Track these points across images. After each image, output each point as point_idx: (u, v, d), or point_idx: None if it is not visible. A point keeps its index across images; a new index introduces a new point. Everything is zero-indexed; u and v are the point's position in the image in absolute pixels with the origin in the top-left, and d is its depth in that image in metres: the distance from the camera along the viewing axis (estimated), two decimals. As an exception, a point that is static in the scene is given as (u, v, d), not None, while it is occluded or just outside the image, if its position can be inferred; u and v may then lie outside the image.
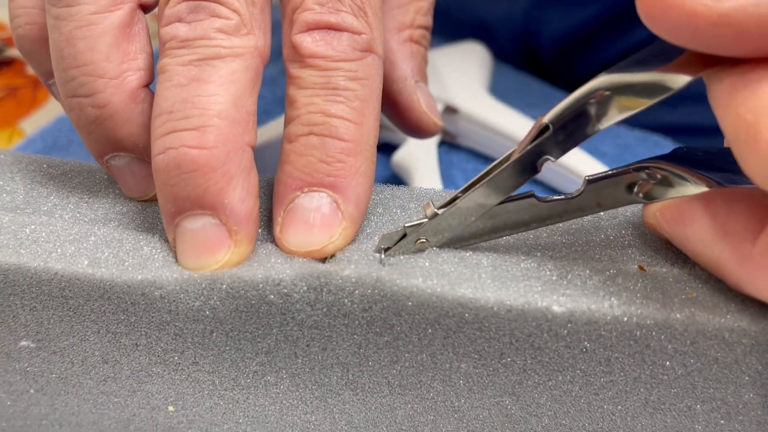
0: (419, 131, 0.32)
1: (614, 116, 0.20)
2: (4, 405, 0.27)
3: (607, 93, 0.20)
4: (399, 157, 0.42)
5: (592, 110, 0.20)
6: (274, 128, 0.42)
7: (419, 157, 0.42)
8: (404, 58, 0.30)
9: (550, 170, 0.42)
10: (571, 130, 0.21)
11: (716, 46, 0.17)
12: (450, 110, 0.45)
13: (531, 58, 0.61)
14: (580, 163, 0.41)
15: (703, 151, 0.23)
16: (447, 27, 0.62)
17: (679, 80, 0.19)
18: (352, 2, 0.24)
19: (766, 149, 0.16)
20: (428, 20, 0.32)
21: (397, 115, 0.31)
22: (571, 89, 0.65)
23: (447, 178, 0.44)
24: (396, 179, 0.44)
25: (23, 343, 0.24)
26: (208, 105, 0.21)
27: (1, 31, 0.70)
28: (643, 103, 0.20)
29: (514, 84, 0.56)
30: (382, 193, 0.27)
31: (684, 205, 0.21)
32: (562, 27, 0.57)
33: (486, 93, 0.46)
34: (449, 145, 0.47)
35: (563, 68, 0.60)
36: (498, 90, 0.54)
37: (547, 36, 0.58)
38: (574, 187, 0.41)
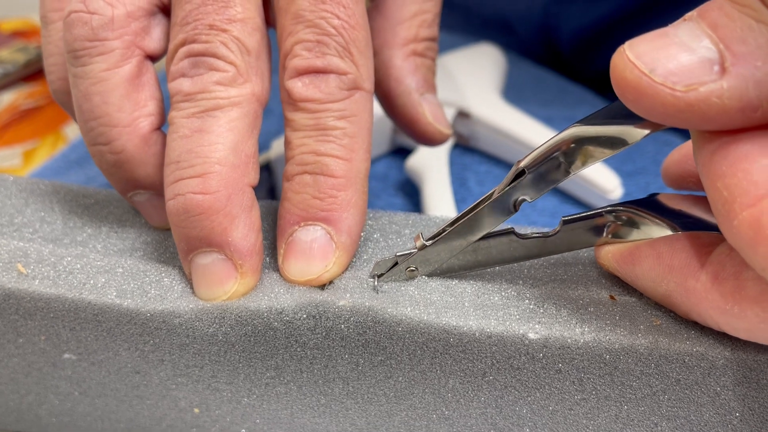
0: (427, 141, 0.34)
1: (579, 165, 0.22)
2: (53, 404, 0.31)
3: (573, 145, 0.22)
4: (412, 162, 0.44)
5: (562, 159, 0.22)
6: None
7: (431, 163, 0.44)
8: (408, 72, 0.32)
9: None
10: (544, 175, 0.23)
11: (686, 125, 0.18)
12: (463, 114, 0.47)
13: (551, 52, 0.62)
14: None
15: (676, 198, 0.24)
16: (468, 22, 0.63)
17: (637, 135, 0.21)
18: (337, 44, 0.25)
19: (738, 226, 0.17)
20: (433, 31, 0.33)
21: (405, 127, 0.33)
22: (590, 84, 0.65)
23: (460, 181, 0.46)
24: (410, 183, 0.46)
25: (66, 355, 0.28)
26: (210, 153, 0.24)
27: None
28: (606, 154, 0.22)
29: (531, 80, 0.57)
30: (380, 219, 0.29)
31: (632, 247, 0.23)
32: (581, 22, 0.58)
33: (498, 97, 0.48)
34: (463, 147, 0.49)
35: (583, 63, 0.61)
36: (514, 86, 0.55)
37: (566, 31, 0.59)
38: (577, 189, 0.43)
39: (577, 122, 0.22)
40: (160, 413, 0.30)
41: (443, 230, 0.25)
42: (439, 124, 0.33)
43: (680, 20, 0.18)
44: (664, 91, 0.17)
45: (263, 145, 0.46)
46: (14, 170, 0.62)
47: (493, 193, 0.24)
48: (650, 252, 0.22)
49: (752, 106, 0.17)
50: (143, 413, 0.30)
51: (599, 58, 0.59)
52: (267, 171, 0.44)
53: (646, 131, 0.21)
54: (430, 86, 0.33)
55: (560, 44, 0.60)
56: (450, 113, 0.46)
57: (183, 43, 0.25)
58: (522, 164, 0.23)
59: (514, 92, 0.54)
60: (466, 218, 0.24)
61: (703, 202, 0.25)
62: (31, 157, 0.56)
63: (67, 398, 0.30)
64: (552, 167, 0.23)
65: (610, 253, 0.24)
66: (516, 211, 0.24)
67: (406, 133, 0.34)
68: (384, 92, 0.32)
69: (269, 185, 0.45)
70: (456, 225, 0.25)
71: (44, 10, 0.28)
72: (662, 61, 0.18)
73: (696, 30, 0.18)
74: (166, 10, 0.27)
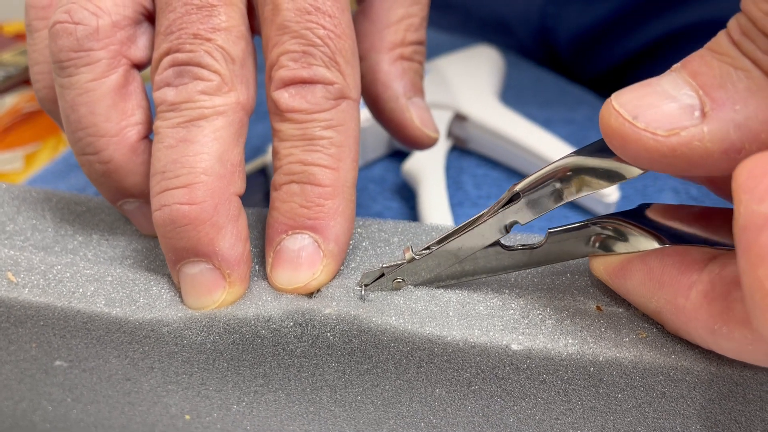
0: (415, 145, 0.34)
1: (574, 194, 0.22)
2: (46, 410, 0.31)
3: (569, 173, 0.22)
4: (408, 165, 0.44)
5: (557, 185, 0.22)
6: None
7: (427, 166, 0.44)
8: (395, 77, 0.32)
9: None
10: (538, 200, 0.23)
11: (672, 170, 0.19)
12: (460, 117, 0.47)
13: (549, 53, 0.61)
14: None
15: (665, 209, 0.24)
16: (466, 23, 0.63)
17: (634, 171, 0.21)
18: (323, 54, 0.25)
19: None
20: (420, 35, 0.33)
21: (393, 131, 0.33)
22: (589, 84, 0.65)
23: (457, 184, 0.46)
24: (406, 186, 0.46)
25: (57, 362, 0.28)
26: (195, 163, 0.24)
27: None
28: (602, 185, 0.22)
29: (530, 81, 0.57)
30: (369, 227, 0.29)
31: (624, 261, 0.23)
32: (578, 23, 0.57)
33: (495, 100, 0.48)
34: (460, 150, 0.49)
35: (581, 64, 0.60)
36: (513, 87, 0.55)
37: (563, 32, 0.59)
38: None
39: (576, 151, 0.22)
40: (152, 419, 0.30)
41: (433, 246, 0.25)
42: (426, 128, 0.33)
43: (667, 72, 0.19)
44: (646, 137, 0.18)
45: (260, 149, 0.46)
46: (16, 173, 0.63)
47: (484, 214, 0.24)
48: (641, 266, 0.22)
49: (735, 148, 0.17)
50: (136, 419, 0.31)
51: (597, 59, 0.59)
52: (264, 175, 0.45)
53: (641, 170, 0.21)
54: (418, 90, 0.33)
55: (558, 45, 0.60)
56: (447, 116, 0.46)
57: (167, 53, 0.25)
58: (517, 188, 0.23)
59: (512, 93, 0.53)
60: (457, 236, 0.24)
61: (692, 213, 0.24)
62: (32, 160, 0.56)
63: (60, 405, 0.31)
64: (547, 193, 0.23)
65: (602, 266, 0.24)
66: (507, 232, 0.24)
67: (395, 137, 0.34)
68: (371, 97, 0.32)
69: (265, 190, 0.45)
70: (446, 242, 0.25)
71: (29, 18, 0.28)
72: (645, 109, 0.18)
73: (678, 79, 0.18)
74: (151, 18, 0.27)
